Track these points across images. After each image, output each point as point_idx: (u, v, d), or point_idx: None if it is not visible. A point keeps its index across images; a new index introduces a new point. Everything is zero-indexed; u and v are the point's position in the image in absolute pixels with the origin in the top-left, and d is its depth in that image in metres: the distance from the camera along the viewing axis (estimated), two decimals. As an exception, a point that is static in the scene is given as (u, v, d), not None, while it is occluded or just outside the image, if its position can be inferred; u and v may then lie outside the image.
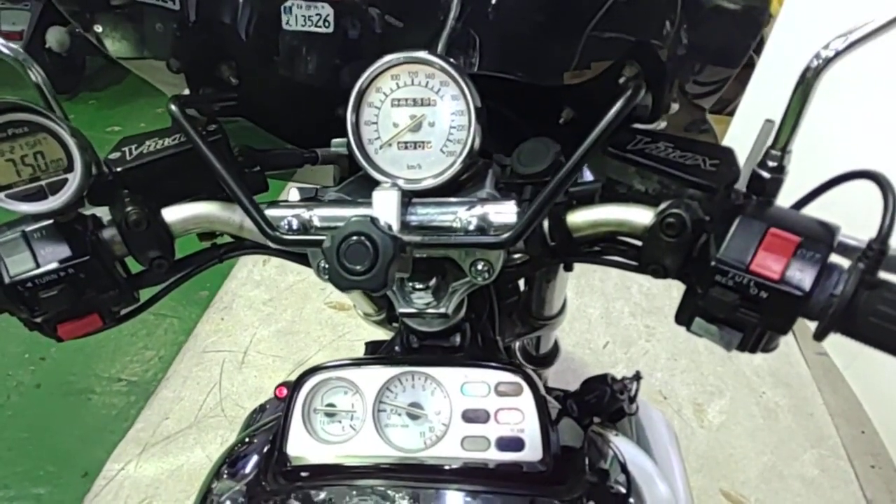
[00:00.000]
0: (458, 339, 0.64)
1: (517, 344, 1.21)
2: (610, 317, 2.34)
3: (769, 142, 0.43)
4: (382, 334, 0.97)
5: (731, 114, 2.26)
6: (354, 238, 0.41)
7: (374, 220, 0.42)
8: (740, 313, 0.40)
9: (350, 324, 2.30)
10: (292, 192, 0.54)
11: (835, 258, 0.40)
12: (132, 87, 4.06)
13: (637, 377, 0.71)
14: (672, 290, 2.58)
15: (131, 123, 3.72)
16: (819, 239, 0.39)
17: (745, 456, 1.87)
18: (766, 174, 0.43)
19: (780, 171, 0.43)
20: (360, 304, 0.91)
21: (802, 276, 0.38)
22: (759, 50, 2.09)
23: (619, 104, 0.46)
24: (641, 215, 0.46)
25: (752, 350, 0.43)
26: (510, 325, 0.94)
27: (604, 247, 0.51)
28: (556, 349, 1.26)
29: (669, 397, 2.05)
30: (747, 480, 1.80)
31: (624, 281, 2.47)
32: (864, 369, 2.02)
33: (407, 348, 0.65)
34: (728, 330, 0.42)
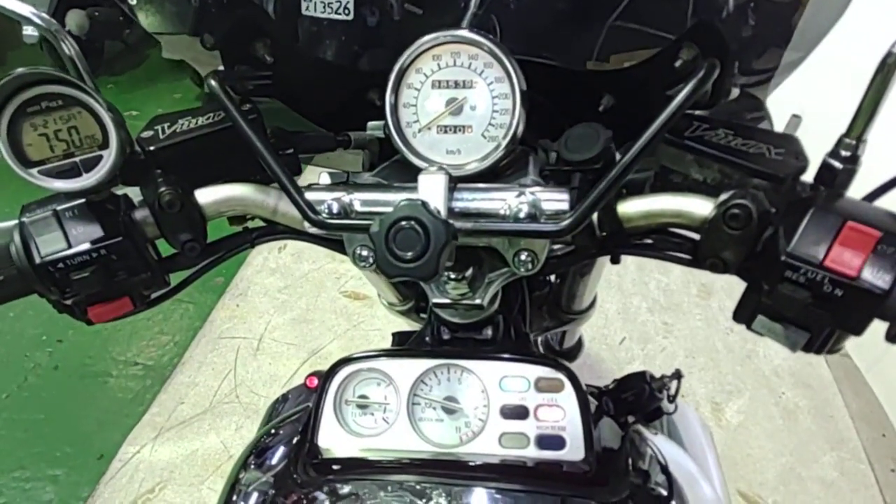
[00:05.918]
0: (489, 331, 0.62)
1: (541, 338, 1.19)
2: (627, 312, 2.31)
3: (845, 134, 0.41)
4: (403, 324, 0.95)
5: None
6: (405, 223, 0.39)
7: (425, 205, 0.40)
8: (810, 312, 0.38)
9: (365, 313, 2.29)
10: (323, 177, 0.52)
11: None
12: (150, 72, 4.07)
13: (677, 375, 0.69)
14: (691, 287, 2.53)
15: (149, 108, 3.72)
16: None
17: (764, 457, 1.85)
18: (837, 164, 0.41)
19: (853, 161, 0.40)
20: (385, 293, 0.89)
21: (882, 273, 0.36)
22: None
23: (689, 87, 0.43)
24: (701, 206, 0.44)
25: (819, 351, 0.41)
26: (538, 318, 0.92)
27: (655, 239, 0.49)
28: (579, 344, 1.24)
29: (687, 395, 2.02)
30: (765, 482, 1.78)
31: (642, 276, 2.44)
32: (887, 372, 1.99)
33: (438, 340, 0.63)
34: (794, 329, 0.40)
